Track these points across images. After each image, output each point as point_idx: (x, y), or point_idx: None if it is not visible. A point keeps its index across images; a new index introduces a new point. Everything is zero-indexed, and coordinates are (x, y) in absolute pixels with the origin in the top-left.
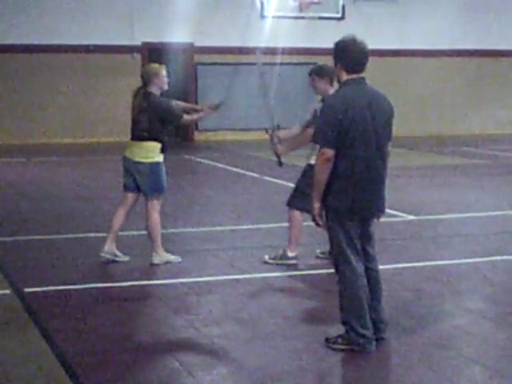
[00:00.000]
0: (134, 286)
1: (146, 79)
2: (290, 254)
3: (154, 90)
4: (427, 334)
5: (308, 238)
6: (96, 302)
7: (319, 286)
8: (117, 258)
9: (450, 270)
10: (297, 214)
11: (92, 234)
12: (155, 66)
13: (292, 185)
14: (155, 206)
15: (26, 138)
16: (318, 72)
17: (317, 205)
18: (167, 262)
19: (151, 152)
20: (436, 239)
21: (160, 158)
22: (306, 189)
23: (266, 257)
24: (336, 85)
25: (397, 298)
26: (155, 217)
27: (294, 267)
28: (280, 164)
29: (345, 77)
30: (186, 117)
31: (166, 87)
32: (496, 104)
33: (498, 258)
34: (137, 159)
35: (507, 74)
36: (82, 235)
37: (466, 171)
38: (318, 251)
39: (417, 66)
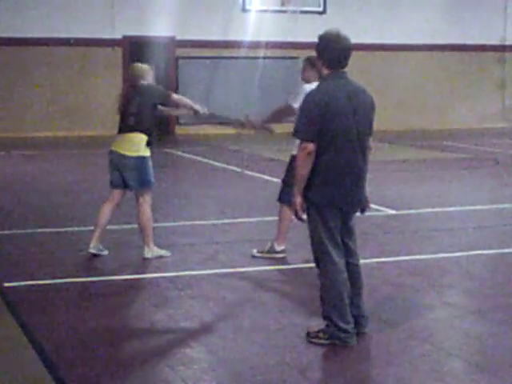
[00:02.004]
0: (115, 280)
1: (138, 76)
2: (278, 248)
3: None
4: (408, 328)
5: (298, 232)
6: (77, 297)
7: (302, 280)
8: (101, 253)
9: (430, 264)
10: (286, 208)
11: (75, 228)
12: (144, 66)
13: (273, 179)
14: (146, 200)
15: (6, 131)
16: (312, 62)
17: (298, 198)
18: (159, 257)
19: (137, 145)
20: (417, 233)
21: (146, 152)
22: (291, 180)
23: (254, 251)
24: None
25: (378, 291)
26: (147, 211)
27: (279, 261)
28: (271, 132)
29: (326, 71)
30: (174, 96)
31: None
32: (477, 99)
33: (479, 252)
34: (123, 152)
35: (488, 69)
36: (64, 229)
37: (446, 165)
38: None
39: (398, 61)
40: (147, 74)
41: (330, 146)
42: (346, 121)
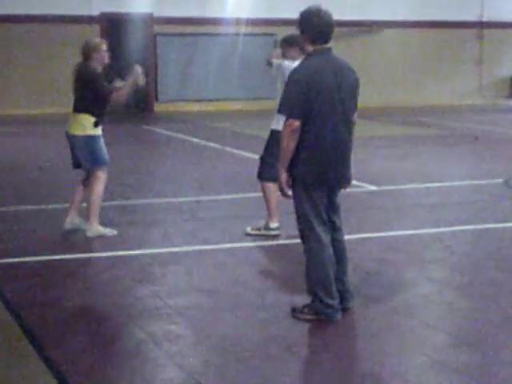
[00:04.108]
0: (96, 257)
1: (86, 54)
2: (272, 225)
3: (95, 64)
4: (392, 303)
5: (282, 208)
6: (58, 274)
7: (286, 256)
8: (81, 227)
9: (412, 240)
10: (269, 184)
11: (52, 206)
12: (95, 40)
13: (253, 155)
14: (98, 178)
15: None
16: (288, 41)
17: (283, 175)
18: (101, 236)
19: (83, 125)
20: (398, 209)
21: (95, 131)
22: (271, 158)
23: (248, 228)
24: None
25: (361, 267)
26: (98, 189)
27: (263, 238)
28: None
29: (310, 48)
30: (116, 93)
31: (106, 61)
32: (455, 75)
33: (461, 227)
34: (72, 132)
35: (466, 46)
36: (42, 207)
37: (425, 142)
38: None
39: (376, 37)
40: (94, 50)
41: (316, 123)
42: (331, 97)
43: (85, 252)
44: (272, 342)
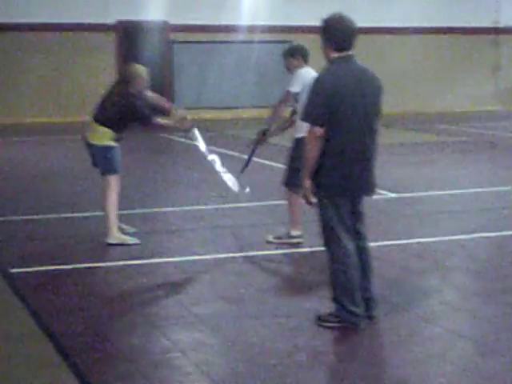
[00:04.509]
0: (120, 265)
1: (127, 78)
2: (294, 233)
3: (133, 90)
4: (416, 311)
5: (306, 216)
6: (82, 282)
7: (310, 264)
8: (128, 231)
9: (435, 247)
10: (294, 192)
11: (76, 214)
12: (140, 68)
13: (272, 163)
14: (111, 186)
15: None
16: (292, 52)
17: (307, 182)
18: (122, 244)
19: (104, 137)
20: (419, 217)
21: (112, 142)
22: (297, 164)
23: (270, 236)
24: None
25: (384, 275)
26: (111, 196)
27: (287, 246)
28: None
29: (333, 55)
30: (156, 120)
31: (145, 88)
32: (471, 81)
33: (482, 234)
34: (90, 140)
35: (481, 51)
36: (65, 215)
37: (443, 149)
38: None
39: (391, 44)
40: (137, 78)
41: (339, 130)
42: (354, 104)
43: (109, 261)
44: (298, 350)
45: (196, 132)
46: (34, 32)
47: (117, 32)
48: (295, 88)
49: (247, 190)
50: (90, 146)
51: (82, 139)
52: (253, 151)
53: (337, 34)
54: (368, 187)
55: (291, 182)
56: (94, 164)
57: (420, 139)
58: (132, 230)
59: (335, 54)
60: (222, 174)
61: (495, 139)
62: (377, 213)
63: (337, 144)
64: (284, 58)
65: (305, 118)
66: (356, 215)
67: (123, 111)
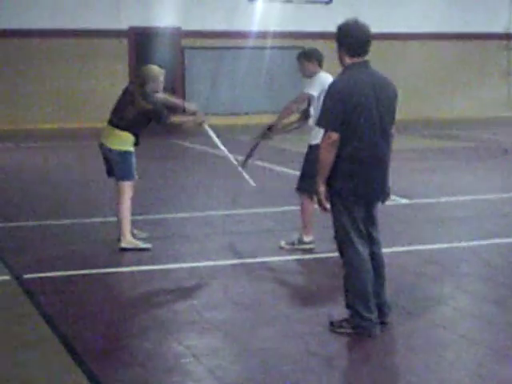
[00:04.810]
0: (133, 271)
1: (143, 80)
2: (307, 239)
3: (149, 90)
4: (430, 317)
5: (318, 221)
6: (95, 288)
7: (323, 270)
8: (140, 236)
9: (447, 253)
10: (308, 198)
11: (89, 220)
12: (156, 69)
13: (283, 169)
14: (125, 191)
15: (12, 123)
16: (307, 55)
17: (322, 188)
18: (135, 248)
19: (123, 141)
20: (431, 222)
21: (131, 147)
22: (310, 170)
23: (283, 242)
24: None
25: (397, 281)
26: (125, 202)
27: (300, 251)
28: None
29: (348, 60)
30: (172, 118)
31: (160, 91)
32: (482, 87)
33: (494, 240)
34: (109, 146)
35: (491, 57)
36: (78, 220)
37: (455, 154)
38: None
39: (402, 50)
40: (153, 79)
41: (354, 136)
42: (369, 110)
43: (122, 266)
44: (311, 355)
45: (207, 127)
46: (45, 38)
47: (129, 38)
48: (314, 92)
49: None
50: (108, 151)
51: (99, 146)
52: (256, 145)
53: (352, 39)
54: (382, 193)
55: (304, 187)
56: (109, 171)
57: (431, 145)
58: (143, 234)
59: (350, 60)
60: (239, 167)
61: (507, 145)
62: (389, 219)
63: (352, 149)
64: (299, 61)
65: (320, 124)
66: (370, 221)
67: (141, 112)
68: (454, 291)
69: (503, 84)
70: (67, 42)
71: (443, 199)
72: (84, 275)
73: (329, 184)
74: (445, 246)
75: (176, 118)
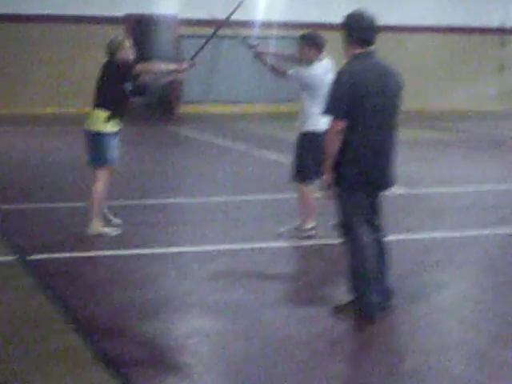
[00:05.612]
0: (137, 254)
1: (111, 52)
2: (308, 226)
3: (118, 60)
4: (431, 303)
5: (320, 208)
6: (101, 270)
7: (325, 255)
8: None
9: (447, 242)
10: (305, 186)
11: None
12: (118, 38)
13: (278, 157)
14: (100, 177)
15: (9, 107)
16: (312, 40)
17: (327, 175)
18: (101, 234)
19: (95, 120)
20: (429, 212)
21: (105, 127)
22: (306, 160)
23: (282, 229)
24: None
25: (398, 268)
26: (99, 188)
27: (301, 237)
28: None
29: (355, 50)
30: (144, 64)
31: (130, 57)
32: (477, 81)
33: (493, 229)
34: (85, 127)
35: (488, 52)
36: (80, 204)
37: (450, 146)
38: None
39: (402, 42)
40: (118, 48)
41: (360, 124)
42: (375, 99)
43: (126, 249)
44: (316, 338)
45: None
46: (43, 24)
47: (126, 25)
48: (298, 80)
49: None
50: (84, 132)
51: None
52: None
53: (359, 29)
54: (387, 181)
55: (299, 176)
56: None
57: (428, 136)
58: (118, 221)
59: (357, 50)
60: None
61: (501, 138)
62: (387, 208)
63: (357, 138)
64: (301, 42)
65: (326, 112)
66: (373, 208)
67: (110, 79)
68: (454, 278)
69: (497, 78)
70: (64, 28)
71: (440, 189)
72: (89, 257)
73: (334, 171)
74: (443, 234)
75: (148, 67)
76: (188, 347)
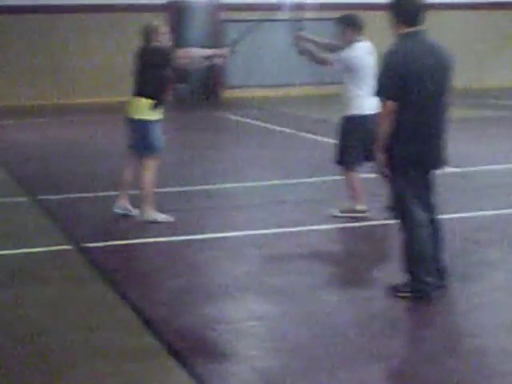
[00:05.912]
0: (189, 240)
1: (146, 37)
2: (359, 208)
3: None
4: (486, 281)
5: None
6: (155, 256)
7: (375, 237)
8: (130, 213)
9: (498, 220)
10: (351, 169)
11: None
12: (154, 23)
13: (325, 139)
14: (148, 166)
15: (41, 98)
16: (351, 21)
17: (381, 156)
18: (154, 221)
19: (141, 108)
20: (481, 190)
21: (151, 115)
22: (350, 143)
23: (334, 210)
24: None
25: (450, 246)
26: (148, 176)
27: (353, 219)
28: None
29: (404, 30)
30: (178, 53)
31: (167, 43)
32: None
33: None
34: (130, 116)
35: None
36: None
37: (498, 123)
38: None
39: (447, 20)
40: (153, 33)
41: (411, 105)
42: (426, 78)
43: (177, 235)
44: (374, 319)
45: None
46: (83, 13)
47: (169, 12)
48: (338, 64)
49: None
50: (129, 121)
51: (126, 120)
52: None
53: (407, 8)
54: (439, 160)
55: (343, 159)
56: (130, 145)
57: (474, 114)
58: (133, 212)
59: (405, 30)
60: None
61: None
62: (439, 187)
63: (410, 118)
64: (342, 25)
65: (377, 93)
66: (427, 187)
67: (149, 65)
68: (506, 256)
69: None
70: (107, 17)
71: (491, 167)
72: (143, 244)
73: (388, 151)
74: (495, 212)
75: (185, 53)
76: (247, 330)
